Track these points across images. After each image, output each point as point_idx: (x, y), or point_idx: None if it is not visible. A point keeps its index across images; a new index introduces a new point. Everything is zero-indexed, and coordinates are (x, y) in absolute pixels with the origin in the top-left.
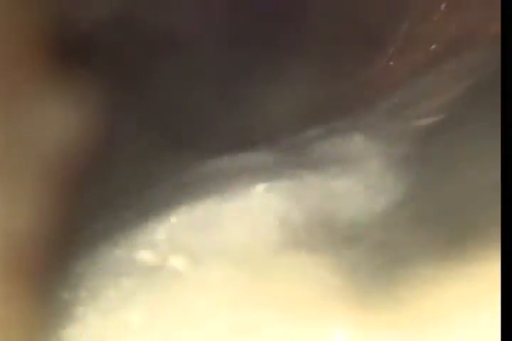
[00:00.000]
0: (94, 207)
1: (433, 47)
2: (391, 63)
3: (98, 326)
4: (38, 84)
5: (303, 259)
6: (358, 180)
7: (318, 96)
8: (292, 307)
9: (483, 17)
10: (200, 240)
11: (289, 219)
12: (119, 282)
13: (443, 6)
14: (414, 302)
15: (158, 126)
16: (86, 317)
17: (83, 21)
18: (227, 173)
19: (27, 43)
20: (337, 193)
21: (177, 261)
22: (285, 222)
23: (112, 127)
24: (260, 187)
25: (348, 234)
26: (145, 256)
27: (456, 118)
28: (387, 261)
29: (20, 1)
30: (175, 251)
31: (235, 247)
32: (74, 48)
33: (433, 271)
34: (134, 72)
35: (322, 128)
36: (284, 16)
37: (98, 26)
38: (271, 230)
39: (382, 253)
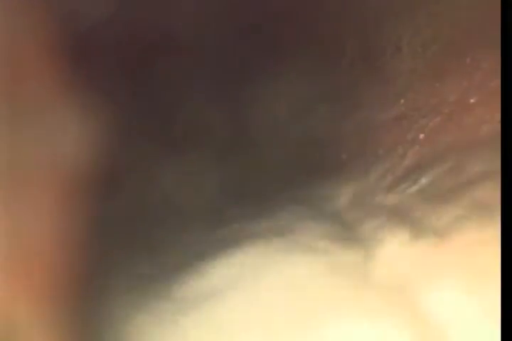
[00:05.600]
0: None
1: None
2: None
3: None
4: (47, 93)
5: None
6: None
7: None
8: None
9: None
10: None
11: None
12: None
13: None
14: None
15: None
16: None
17: (85, 23)
18: None
19: (31, 49)
20: None
21: None
22: None
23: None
24: None
25: None
26: None
27: None
28: None
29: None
30: None
31: None
32: (76, 51)
33: None
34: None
35: None
36: (285, 16)
37: (100, 27)
38: None
39: None
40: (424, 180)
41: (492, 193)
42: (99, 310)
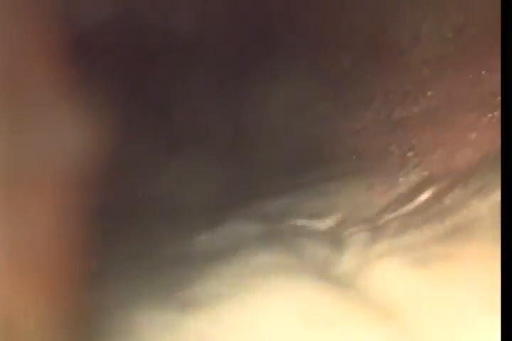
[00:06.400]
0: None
1: None
2: None
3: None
4: (48, 93)
5: None
6: None
7: None
8: None
9: None
10: None
11: None
12: None
13: None
14: None
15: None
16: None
17: (85, 23)
18: None
19: (31, 49)
20: None
21: None
22: None
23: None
24: None
25: None
26: None
27: None
28: None
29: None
30: None
31: None
32: (77, 51)
33: None
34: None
35: None
36: (284, 17)
37: (100, 28)
38: None
39: None
40: None
41: None
42: (98, 310)
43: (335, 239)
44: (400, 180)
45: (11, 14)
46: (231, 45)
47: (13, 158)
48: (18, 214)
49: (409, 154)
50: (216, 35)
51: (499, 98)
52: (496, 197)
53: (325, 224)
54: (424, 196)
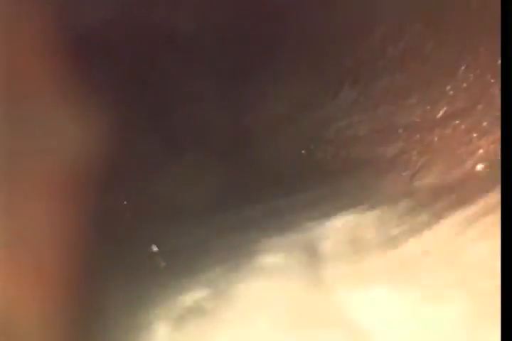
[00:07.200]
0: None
1: None
2: None
3: None
4: (48, 93)
5: None
6: None
7: None
8: None
9: None
10: None
11: None
12: None
13: None
14: None
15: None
16: None
17: (85, 23)
18: None
19: (32, 50)
20: None
21: None
22: None
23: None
24: None
25: None
26: None
27: None
28: None
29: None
30: None
31: None
32: (77, 51)
33: None
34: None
35: None
36: (283, 17)
37: (100, 28)
38: None
39: None
40: None
41: None
42: (98, 310)
43: None
44: None
45: (11, 15)
46: (231, 45)
47: (11, 159)
48: (18, 215)
49: None
50: (216, 35)
51: None
52: None
53: None
54: None
